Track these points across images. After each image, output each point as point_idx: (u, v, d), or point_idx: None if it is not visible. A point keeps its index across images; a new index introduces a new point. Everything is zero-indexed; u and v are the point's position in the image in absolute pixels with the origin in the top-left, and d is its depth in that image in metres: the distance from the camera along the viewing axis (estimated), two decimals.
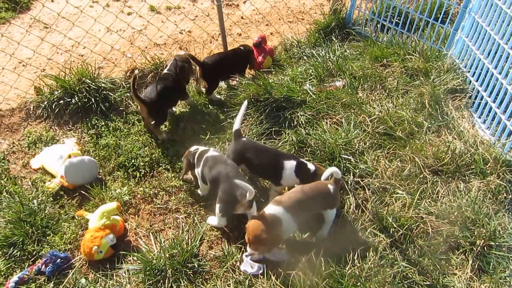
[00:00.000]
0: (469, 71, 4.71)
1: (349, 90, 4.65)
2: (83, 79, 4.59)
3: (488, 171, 3.86)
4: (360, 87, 4.72)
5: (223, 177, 3.35)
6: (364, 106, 4.43)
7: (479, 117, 4.46)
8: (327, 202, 3.34)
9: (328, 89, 4.69)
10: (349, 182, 3.74)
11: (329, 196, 3.31)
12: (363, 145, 4.05)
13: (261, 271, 3.20)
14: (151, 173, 3.99)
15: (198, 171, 3.61)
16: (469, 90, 4.65)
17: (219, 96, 4.84)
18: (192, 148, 3.75)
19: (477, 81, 4.55)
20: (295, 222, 3.21)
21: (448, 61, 4.92)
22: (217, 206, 3.37)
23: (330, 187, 3.31)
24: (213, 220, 3.50)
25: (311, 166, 3.53)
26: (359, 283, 3.04)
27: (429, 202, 3.66)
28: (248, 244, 3.13)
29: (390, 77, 4.87)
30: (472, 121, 4.47)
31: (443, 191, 3.74)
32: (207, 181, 3.51)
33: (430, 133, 4.23)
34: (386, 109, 4.39)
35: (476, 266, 3.27)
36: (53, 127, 4.48)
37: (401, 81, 4.79)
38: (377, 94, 4.67)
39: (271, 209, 3.17)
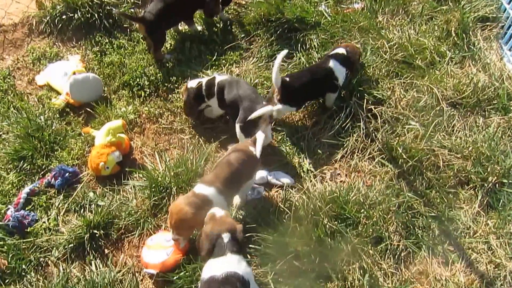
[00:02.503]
0: None
1: (368, 13, 4.74)
2: None
3: (511, 107, 4.04)
4: (380, 11, 4.79)
5: (242, 96, 3.65)
6: (383, 31, 4.54)
7: (510, 50, 4.50)
8: (253, 168, 3.40)
9: (345, 11, 4.79)
10: (361, 109, 3.96)
11: (254, 161, 3.34)
12: (378, 72, 4.24)
13: (260, 196, 3.58)
14: (156, 93, 4.31)
15: (214, 100, 3.85)
16: (502, 19, 4.67)
17: (227, 15, 4.95)
18: (193, 84, 3.92)
19: None
20: (226, 201, 3.20)
21: None
22: (238, 126, 3.65)
23: (252, 149, 3.33)
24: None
25: None
26: (362, 210, 3.37)
27: (443, 135, 3.88)
28: (171, 229, 3.11)
29: (414, 1, 4.90)
30: (500, 54, 4.53)
31: (460, 125, 3.96)
32: (226, 106, 3.80)
33: (453, 64, 4.35)
34: (407, 36, 4.48)
35: (484, 202, 3.53)
36: (56, 43, 4.80)
37: (427, 6, 4.81)
38: (399, 19, 4.74)
39: (202, 189, 3.12)
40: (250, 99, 3.65)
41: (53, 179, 3.67)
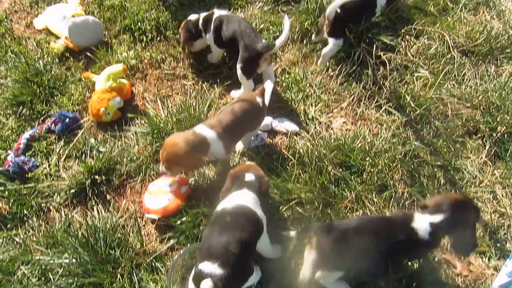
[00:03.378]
0: None
1: None
2: None
3: None
4: None
5: (241, 34, 3.51)
6: None
7: None
8: (258, 120, 3.32)
9: None
10: (370, 56, 3.84)
11: (259, 113, 3.27)
12: (388, 18, 4.10)
13: (264, 142, 3.51)
14: (158, 38, 4.18)
15: (209, 36, 3.74)
16: None
17: None
18: (192, 17, 3.84)
19: None
20: (224, 148, 3.12)
21: None
22: (239, 67, 3.53)
23: (259, 100, 3.25)
24: (237, 91, 3.71)
25: None
26: (368, 158, 3.32)
27: (453, 84, 3.80)
28: (162, 161, 3.05)
29: None
30: None
31: (470, 74, 3.87)
32: (223, 44, 3.69)
33: (466, 11, 4.23)
34: None
35: (492, 152, 3.49)
36: None
37: None
38: None
39: (203, 130, 3.05)
40: (249, 36, 3.51)
41: (53, 125, 3.60)
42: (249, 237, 2.56)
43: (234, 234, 2.48)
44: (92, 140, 3.58)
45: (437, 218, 2.65)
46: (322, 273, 2.72)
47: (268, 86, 3.27)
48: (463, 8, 4.26)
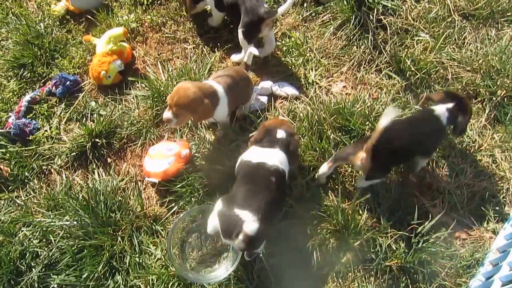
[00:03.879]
0: None
1: None
2: None
3: None
4: None
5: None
6: None
7: None
8: (249, 91, 3.18)
9: None
10: (370, 20, 3.59)
11: (250, 83, 3.16)
12: None
13: (264, 106, 3.30)
14: (159, 1, 3.87)
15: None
16: None
17: None
18: None
19: None
20: (227, 108, 2.95)
21: None
22: (241, 31, 3.29)
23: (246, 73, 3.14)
24: (238, 54, 3.48)
25: None
26: (367, 122, 3.12)
27: (453, 48, 3.56)
28: (169, 106, 2.70)
29: None
30: None
31: (471, 38, 3.61)
32: (223, 8, 3.43)
33: None
34: None
35: (492, 116, 3.30)
36: None
37: None
38: None
39: (213, 83, 2.87)
40: (251, 1, 3.25)
41: (54, 88, 3.36)
42: (279, 199, 2.61)
43: (270, 194, 2.48)
44: (93, 103, 3.35)
45: (450, 104, 2.86)
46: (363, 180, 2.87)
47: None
48: None
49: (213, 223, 2.46)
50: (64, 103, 3.36)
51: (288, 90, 3.36)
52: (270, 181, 2.52)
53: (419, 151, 2.88)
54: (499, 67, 3.43)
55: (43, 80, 3.50)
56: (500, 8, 3.74)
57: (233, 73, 3.01)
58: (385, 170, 2.85)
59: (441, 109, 2.84)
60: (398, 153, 2.71)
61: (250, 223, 2.31)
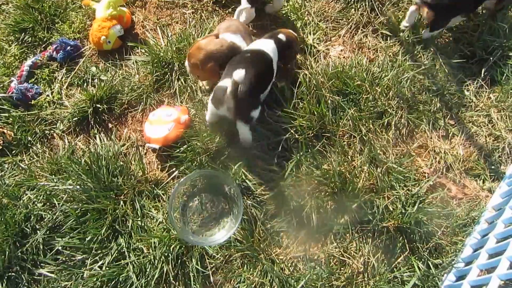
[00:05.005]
0: None
1: None
2: None
3: None
4: None
5: None
6: None
7: None
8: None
9: None
10: None
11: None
12: None
13: None
14: None
15: None
16: None
17: None
18: None
19: None
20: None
21: None
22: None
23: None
24: (241, 18, 3.06)
25: None
26: (366, 82, 2.83)
27: None
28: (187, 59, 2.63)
29: None
30: None
31: None
32: None
33: None
34: None
35: (488, 76, 2.98)
36: None
37: None
38: None
39: (229, 36, 2.69)
40: None
41: (55, 52, 2.98)
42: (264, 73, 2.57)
43: (255, 69, 2.46)
44: (94, 69, 2.98)
45: None
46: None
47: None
48: None
49: (208, 108, 2.54)
50: (65, 68, 3.00)
51: None
52: (256, 60, 2.53)
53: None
54: (496, 27, 3.11)
55: (44, 45, 3.12)
56: None
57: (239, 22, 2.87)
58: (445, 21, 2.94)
59: None
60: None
61: (237, 73, 2.28)
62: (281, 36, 2.70)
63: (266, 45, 2.62)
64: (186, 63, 2.66)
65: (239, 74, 2.26)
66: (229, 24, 2.76)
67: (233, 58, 2.55)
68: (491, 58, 3.01)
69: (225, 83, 2.37)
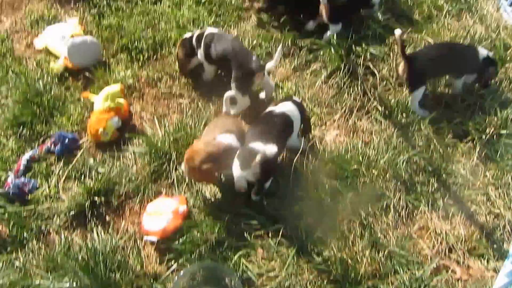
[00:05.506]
0: None
1: None
2: None
3: (508, 58, 3.58)
4: None
5: (232, 53, 3.17)
6: None
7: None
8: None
9: None
10: (359, 67, 3.51)
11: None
12: (376, 28, 3.71)
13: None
14: (155, 56, 3.73)
15: (200, 51, 3.35)
16: None
17: None
18: (187, 34, 3.46)
19: None
20: None
21: None
22: (234, 85, 3.18)
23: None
24: (235, 107, 3.30)
25: None
26: (362, 167, 2.97)
27: (441, 89, 3.47)
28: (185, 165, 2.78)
29: None
30: (497, 4, 4.04)
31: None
32: (213, 61, 3.33)
33: (450, 17, 3.86)
34: None
35: (483, 154, 3.14)
36: (54, 5, 4.16)
37: None
38: None
39: (225, 138, 2.82)
40: (241, 55, 3.17)
41: (52, 146, 3.17)
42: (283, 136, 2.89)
43: (275, 129, 2.82)
44: (91, 161, 3.14)
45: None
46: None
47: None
48: (447, 14, 3.89)
49: (235, 172, 2.71)
50: (62, 161, 3.16)
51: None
52: (276, 121, 2.86)
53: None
54: (486, 105, 3.32)
55: (42, 138, 3.31)
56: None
57: (231, 120, 3.08)
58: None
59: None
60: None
61: (269, 148, 2.66)
62: (297, 102, 3.06)
63: (284, 106, 2.95)
64: (183, 166, 2.80)
65: (271, 150, 2.66)
66: (223, 123, 2.96)
67: (261, 119, 2.95)
68: (484, 137, 3.19)
69: (256, 145, 2.69)
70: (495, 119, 3.23)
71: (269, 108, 2.99)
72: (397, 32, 3.07)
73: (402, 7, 3.93)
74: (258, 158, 2.59)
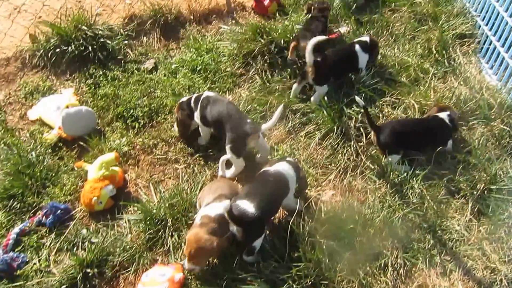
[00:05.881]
0: (479, 15, 4.52)
1: (353, 36, 4.42)
2: (80, 26, 4.39)
3: (492, 117, 3.78)
4: (365, 33, 4.49)
5: (227, 116, 3.32)
6: None
7: (487, 63, 4.31)
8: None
9: (330, 36, 4.43)
10: (352, 129, 3.66)
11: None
12: (367, 91, 3.88)
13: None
14: (150, 123, 3.88)
15: (196, 114, 3.50)
16: (478, 35, 4.49)
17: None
18: (184, 98, 3.64)
19: (486, 25, 4.38)
20: None
21: (458, 5, 4.72)
22: (228, 148, 3.31)
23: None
24: (230, 170, 3.42)
25: None
26: (358, 227, 3.03)
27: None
28: (187, 258, 2.77)
29: (397, 23, 4.69)
30: (479, 67, 4.33)
31: None
32: (209, 123, 3.46)
33: (436, 79, 4.11)
34: (392, 55, 4.29)
35: (475, 210, 3.27)
36: (50, 76, 4.34)
37: (409, 26, 4.62)
38: (383, 40, 4.51)
39: (217, 207, 2.87)
40: (235, 118, 3.32)
41: (44, 217, 3.19)
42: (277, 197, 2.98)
43: (268, 189, 2.91)
44: (84, 231, 3.17)
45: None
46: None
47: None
48: (433, 77, 4.13)
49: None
50: (54, 232, 3.18)
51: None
52: (270, 180, 2.95)
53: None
54: (475, 162, 3.48)
55: (33, 210, 3.33)
56: (468, 108, 3.86)
57: (224, 184, 3.15)
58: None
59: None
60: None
61: (247, 206, 2.72)
62: (292, 161, 3.15)
63: (280, 165, 3.04)
64: (191, 265, 2.79)
65: (253, 209, 2.72)
66: (217, 188, 3.05)
67: (256, 178, 3.05)
68: (475, 192, 3.33)
69: (243, 204, 2.77)
70: (484, 175, 3.39)
71: (264, 168, 3.10)
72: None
73: (390, 71, 4.19)
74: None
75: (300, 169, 3.20)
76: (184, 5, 5.04)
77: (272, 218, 3.11)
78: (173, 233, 3.06)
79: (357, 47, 3.97)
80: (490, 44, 4.28)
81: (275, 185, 2.95)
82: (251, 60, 4.26)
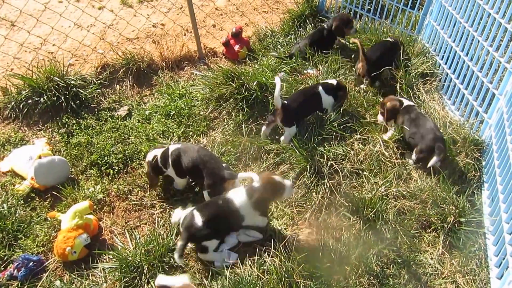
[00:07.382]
0: (438, 55, 4.79)
1: (322, 78, 4.61)
2: (52, 77, 4.46)
3: (458, 151, 3.93)
4: (333, 75, 4.71)
5: (201, 163, 3.35)
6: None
7: (449, 99, 4.53)
8: None
9: (301, 77, 4.67)
10: (324, 167, 3.74)
11: None
12: (338, 128, 4.04)
13: (236, 258, 3.18)
14: (125, 170, 3.90)
15: (170, 169, 3.52)
16: (439, 73, 4.72)
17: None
18: (150, 157, 3.61)
19: (446, 64, 4.62)
20: None
21: (419, 46, 4.99)
22: (207, 193, 3.36)
23: None
24: None
25: None
26: (334, 265, 3.06)
27: (399, 183, 3.71)
28: None
29: None
30: (442, 103, 4.53)
31: (415, 173, 3.82)
32: (184, 174, 3.50)
33: None
34: (359, 96, 4.48)
35: (447, 243, 3.36)
36: (22, 127, 4.36)
37: None
38: (352, 80, 4.70)
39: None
40: (211, 164, 3.36)
41: (15, 271, 3.12)
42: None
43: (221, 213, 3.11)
44: (58, 283, 3.11)
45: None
46: None
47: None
48: None
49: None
50: (26, 286, 3.10)
51: (253, 233, 3.33)
52: (223, 206, 3.12)
53: None
54: (444, 196, 3.56)
55: (4, 264, 3.24)
56: None
57: None
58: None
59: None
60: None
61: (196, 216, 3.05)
62: (256, 183, 3.16)
63: (236, 193, 3.17)
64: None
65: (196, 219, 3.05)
66: None
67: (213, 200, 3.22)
68: (446, 226, 3.43)
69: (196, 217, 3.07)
70: (453, 208, 3.49)
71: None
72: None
73: (358, 110, 4.37)
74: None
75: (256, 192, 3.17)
76: (156, 53, 5.25)
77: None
78: (149, 280, 3.02)
79: (320, 88, 4.18)
80: (450, 81, 4.50)
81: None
82: (223, 103, 4.39)
